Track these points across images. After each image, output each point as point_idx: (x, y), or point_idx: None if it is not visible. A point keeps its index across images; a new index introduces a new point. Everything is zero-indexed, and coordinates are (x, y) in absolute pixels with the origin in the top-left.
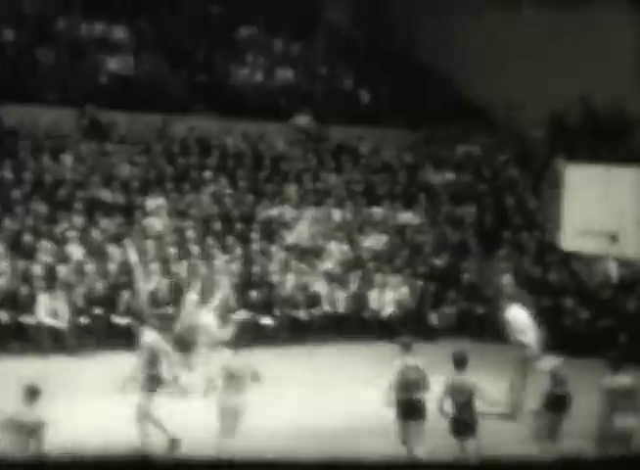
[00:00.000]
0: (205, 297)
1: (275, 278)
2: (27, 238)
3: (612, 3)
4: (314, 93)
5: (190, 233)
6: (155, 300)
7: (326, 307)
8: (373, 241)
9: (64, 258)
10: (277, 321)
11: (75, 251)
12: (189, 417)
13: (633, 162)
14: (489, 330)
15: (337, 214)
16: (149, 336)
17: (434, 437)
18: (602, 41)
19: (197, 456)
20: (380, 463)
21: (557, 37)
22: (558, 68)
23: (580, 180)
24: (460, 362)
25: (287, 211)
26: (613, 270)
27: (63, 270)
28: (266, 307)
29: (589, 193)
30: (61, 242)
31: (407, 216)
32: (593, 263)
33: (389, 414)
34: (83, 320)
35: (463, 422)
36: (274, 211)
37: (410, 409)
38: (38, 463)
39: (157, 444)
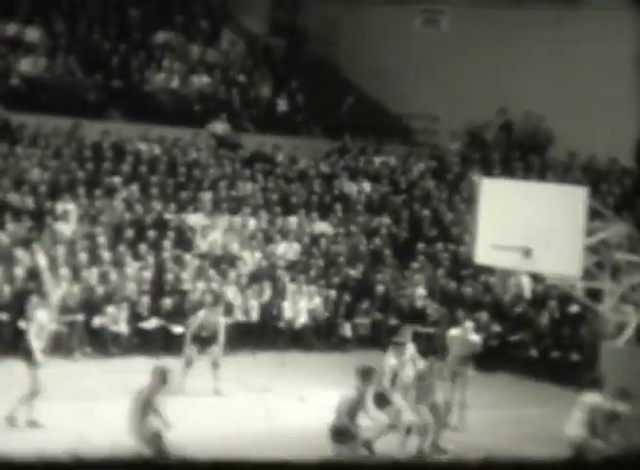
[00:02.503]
0: None
1: (187, 286)
2: None
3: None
4: (231, 100)
5: (101, 239)
6: (64, 306)
7: (239, 316)
8: (287, 250)
9: None
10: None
11: None
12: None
13: (547, 177)
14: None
15: (251, 223)
16: None
17: None
18: (522, 53)
19: (197, 456)
20: (380, 463)
21: (477, 50)
22: (477, 80)
23: (495, 194)
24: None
25: (200, 219)
26: (525, 285)
27: None
28: (178, 316)
29: (504, 207)
30: None
31: (322, 226)
32: (506, 277)
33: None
34: None
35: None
36: (187, 219)
37: None
38: (39, 463)
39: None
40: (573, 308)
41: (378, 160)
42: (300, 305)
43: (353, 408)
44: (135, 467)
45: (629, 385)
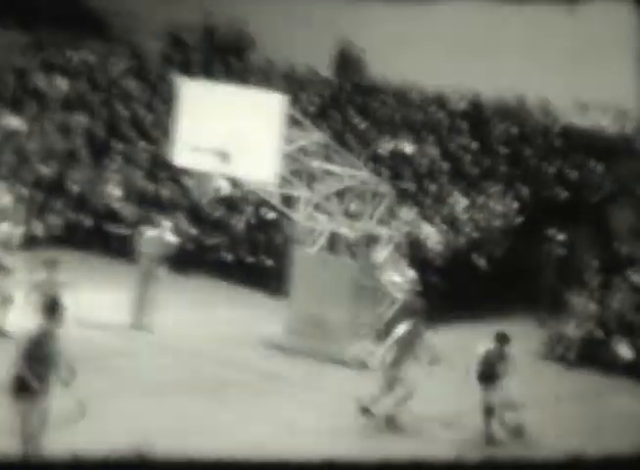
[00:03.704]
0: None
1: None
2: None
3: None
4: None
5: None
6: None
7: None
8: None
9: None
10: None
11: None
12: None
13: (250, 82)
14: (97, 242)
15: None
16: None
17: None
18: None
19: (197, 456)
20: (380, 463)
21: None
22: None
23: (195, 96)
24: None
25: None
26: (223, 189)
27: None
28: None
29: (203, 110)
30: None
31: (15, 122)
32: (205, 181)
33: None
34: None
35: None
36: None
37: None
38: (38, 463)
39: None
40: (270, 215)
41: (76, 56)
42: None
43: None
44: (135, 467)
45: (320, 291)
